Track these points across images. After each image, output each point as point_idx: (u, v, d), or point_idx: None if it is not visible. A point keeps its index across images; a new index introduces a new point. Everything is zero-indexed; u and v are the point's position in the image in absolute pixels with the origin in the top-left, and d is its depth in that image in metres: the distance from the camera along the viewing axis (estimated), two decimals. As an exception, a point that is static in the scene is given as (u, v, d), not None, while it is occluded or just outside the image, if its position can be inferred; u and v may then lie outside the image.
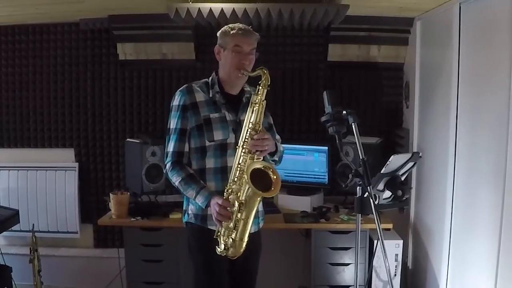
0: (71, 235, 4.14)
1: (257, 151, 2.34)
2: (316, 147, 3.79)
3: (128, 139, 3.88)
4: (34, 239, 3.55)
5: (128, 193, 3.65)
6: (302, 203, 3.69)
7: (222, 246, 2.35)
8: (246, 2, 3.34)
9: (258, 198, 2.30)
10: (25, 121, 4.17)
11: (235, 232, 2.30)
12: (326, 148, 3.74)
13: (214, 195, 2.36)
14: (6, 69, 4.12)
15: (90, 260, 4.18)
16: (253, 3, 3.35)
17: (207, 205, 2.36)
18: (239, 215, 2.29)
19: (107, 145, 4.15)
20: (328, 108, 2.33)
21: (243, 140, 2.35)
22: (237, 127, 2.46)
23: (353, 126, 2.26)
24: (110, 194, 3.59)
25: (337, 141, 2.29)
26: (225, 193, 2.35)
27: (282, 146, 2.64)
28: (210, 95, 2.49)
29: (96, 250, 4.22)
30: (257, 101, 2.37)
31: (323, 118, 2.33)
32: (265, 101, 2.39)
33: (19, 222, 3.72)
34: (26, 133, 4.18)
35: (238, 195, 2.30)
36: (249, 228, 2.32)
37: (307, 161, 3.81)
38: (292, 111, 4.11)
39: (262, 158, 2.39)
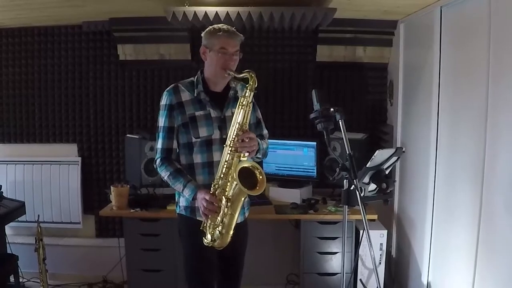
0: (74, 226, 4.10)
1: (246, 152, 2.31)
2: (305, 143, 3.76)
3: (127, 135, 3.85)
4: (39, 229, 3.52)
5: (128, 186, 3.62)
6: (292, 195, 3.66)
7: (209, 237, 2.34)
8: (239, 5, 3.30)
9: (244, 195, 2.28)
10: (31, 118, 4.12)
11: (222, 225, 2.29)
12: (315, 143, 3.71)
13: (200, 188, 2.34)
14: (13, 69, 4.07)
15: (92, 249, 4.15)
16: (246, 6, 3.30)
17: (194, 198, 2.34)
18: (225, 210, 2.27)
19: (108, 141, 4.11)
20: (316, 106, 2.31)
21: (230, 139, 2.31)
22: (222, 123, 2.43)
23: (340, 122, 2.24)
24: (111, 187, 3.56)
25: (325, 137, 2.26)
26: (212, 188, 2.32)
27: (266, 143, 2.60)
28: (195, 94, 2.46)
29: (97, 239, 4.18)
30: (244, 103, 2.33)
31: (312, 115, 2.30)
32: (251, 103, 2.36)
33: (25, 213, 3.73)
34: (32, 129, 4.13)
35: (225, 190, 2.28)
36: (235, 221, 2.30)
37: (296, 155, 3.77)
38: (282, 109, 4.06)
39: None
